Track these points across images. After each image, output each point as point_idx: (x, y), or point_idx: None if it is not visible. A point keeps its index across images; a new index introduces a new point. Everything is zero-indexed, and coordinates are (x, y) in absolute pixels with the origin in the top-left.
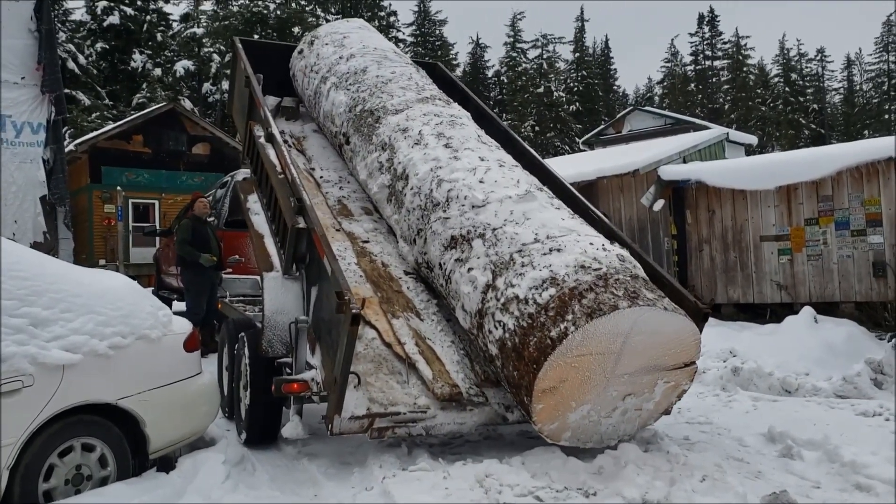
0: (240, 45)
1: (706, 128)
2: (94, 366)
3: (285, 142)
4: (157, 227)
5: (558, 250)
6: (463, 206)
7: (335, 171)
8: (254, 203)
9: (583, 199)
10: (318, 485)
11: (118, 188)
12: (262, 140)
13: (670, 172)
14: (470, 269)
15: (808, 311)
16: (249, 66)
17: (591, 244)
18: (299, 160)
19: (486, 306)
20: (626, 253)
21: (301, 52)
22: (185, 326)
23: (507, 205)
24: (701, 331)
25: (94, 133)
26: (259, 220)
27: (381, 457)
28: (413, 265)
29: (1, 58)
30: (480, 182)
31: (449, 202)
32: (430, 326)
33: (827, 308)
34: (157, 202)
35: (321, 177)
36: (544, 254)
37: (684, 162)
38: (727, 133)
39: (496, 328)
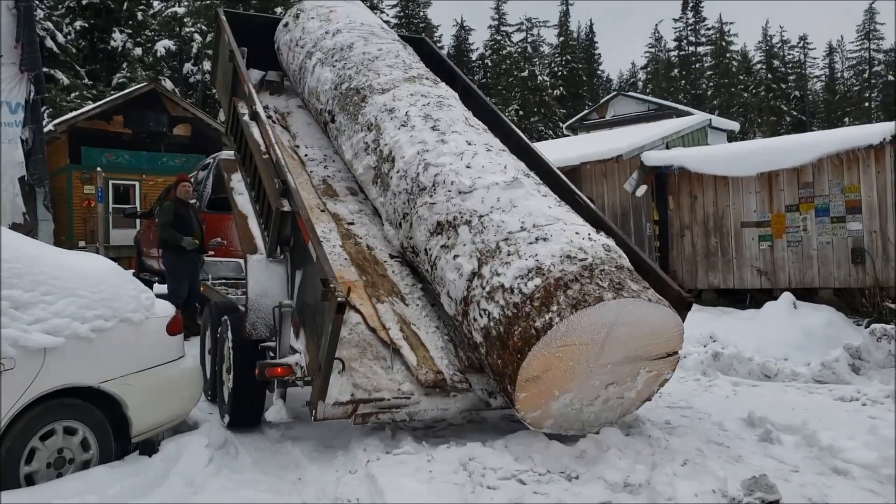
0: (224, 18)
1: (689, 114)
2: (76, 349)
3: (269, 117)
4: (138, 209)
5: (544, 239)
6: (450, 191)
7: (320, 150)
8: (238, 182)
9: (570, 184)
10: (301, 468)
11: (98, 169)
12: (245, 118)
13: (653, 158)
14: (456, 256)
15: (787, 296)
16: (234, 39)
17: (577, 234)
18: (284, 137)
19: (472, 294)
20: (611, 242)
21: (286, 25)
22: (167, 310)
23: (494, 191)
24: (684, 319)
25: (74, 113)
26: (243, 200)
27: (365, 440)
28: (398, 249)
29: None
30: (468, 167)
31: (436, 187)
32: (415, 311)
33: (806, 294)
34: (137, 183)
35: (305, 155)
36: (530, 243)
37: (667, 148)
38: (710, 119)
39: (481, 316)
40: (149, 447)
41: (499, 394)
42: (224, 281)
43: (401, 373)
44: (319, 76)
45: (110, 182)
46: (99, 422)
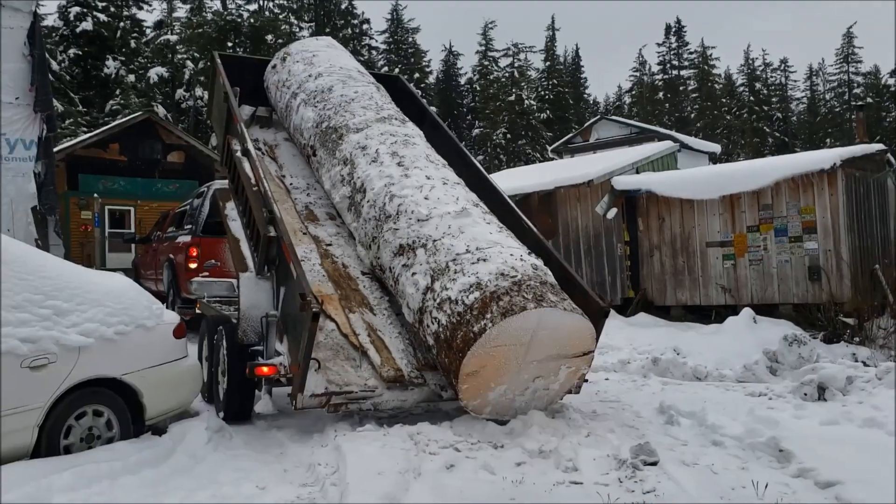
0: (219, 61)
1: (670, 137)
2: (103, 348)
3: (259, 149)
4: (136, 235)
5: (484, 260)
6: (410, 219)
7: (304, 179)
8: (231, 210)
9: (517, 212)
10: (283, 446)
11: (95, 195)
12: (238, 154)
13: (623, 183)
14: (414, 274)
15: (746, 312)
16: (228, 82)
17: (512, 255)
18: (272, 167)
19: (426, 305)
20: (539, 262)
21: (274, 66)
22: (174, 318)
23: (446, 220)
24: (601, 325)
25: (72, 142)
26: (236, 225)
27: (336, 424)
28: (369, 267)
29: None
30: (426, 199)
31: (399, 215)
32: (382, 320)
33: (767, 310)
34: (132, 209)
35: (291, 183)
36: (473, 263)
37: (637, 172)
38: (678, 146)
39: (432, 323)
40: (159, 429)
41: (449, 388)
42: (218, 298)
43: (367, 371)
44: (303, 115)
45: (106, 208)
46: (120, 407)
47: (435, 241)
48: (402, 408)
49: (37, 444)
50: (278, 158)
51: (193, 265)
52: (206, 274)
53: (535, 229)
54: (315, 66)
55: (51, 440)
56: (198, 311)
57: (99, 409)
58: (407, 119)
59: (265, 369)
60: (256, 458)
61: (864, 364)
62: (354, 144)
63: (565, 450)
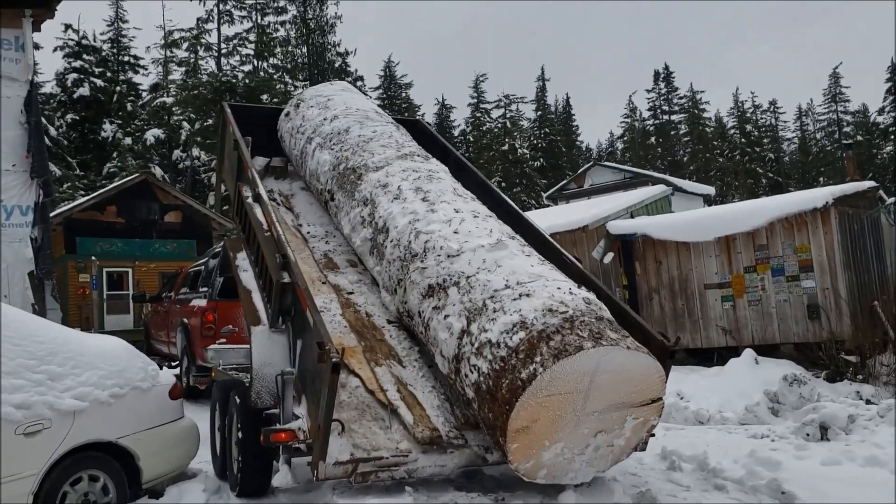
0: (228, 110)
1: (664, 181)
2: (98, 411)
3: (273, 200)
4: (146, 294)
5: (528, 295)
6: (439, 255)
7: (322, 226)
8: (242, 260)
9: (556, 245)
10: None
11: (93, 258)
12: (249, 200)
13: (618, 227)
14: (446, 316)
15: (748, 353)
16: (238, 130)
17: (559, 288)
18: (287, 217)
19: (462, 351)
20: (592, 296)
21: (288, 114)
22: (169, 378)
23: (480, 253)
24: (668, 368)
25: (69, 206)
26: (247, 276)
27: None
28: (395, 314)
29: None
30: (455, 233)
31: (426, 253)
32: (412, 373)
33: (769, 350)
34: (130, 270)
35: (308, 232)
36: (514, 299)
37: (632, 216)
38: (672, 189)
39: (472, 372)
40: (156, 493)
41: (495, 448)
42: (235, 366)
43: (398, 432)
44: (319, 159)
45: (104, 270)
46: (116, 471)
47: (469, 277)
48: (440, 475)
49: None
50: (294, 208)
51: (209, 331)
52: (224, 340)
53: (579, 264)
54: (330, 109)
55: None
56: (213, 378)
57: (95, 474)
58: (431, 156)
59: (282, 435)
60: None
61: (867, 402)
62: (374, 183)
63: (568, 499)
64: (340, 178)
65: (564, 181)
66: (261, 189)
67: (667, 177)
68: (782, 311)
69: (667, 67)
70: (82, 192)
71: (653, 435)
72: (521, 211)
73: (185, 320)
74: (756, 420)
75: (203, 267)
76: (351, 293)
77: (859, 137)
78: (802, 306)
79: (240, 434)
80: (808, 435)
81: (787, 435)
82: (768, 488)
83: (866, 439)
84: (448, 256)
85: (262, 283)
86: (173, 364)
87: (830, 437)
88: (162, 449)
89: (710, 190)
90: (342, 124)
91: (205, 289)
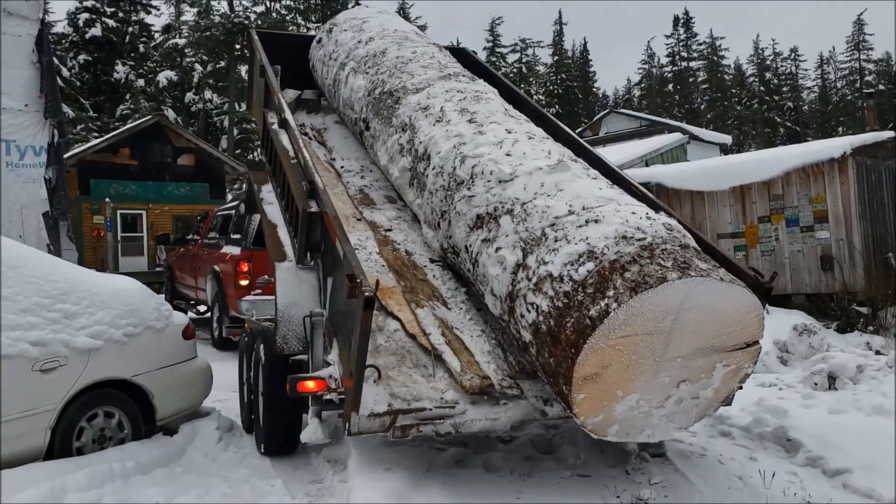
0: (256, 37)
1: (680, 129)
2: (113, 349)
3: (305, 134)
4: (170, 235)
5: (596, 221)
6: (489, 181)
7: (357, 161)
8: (268, 193)
9: (624, 174)
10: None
11: (107, 199)
12: (274, 126)
13: (632, 176)
14: (498, 249)
15: None
16: (265, 55)
17: (634, 213)
18: (320, 152)
19: (517, 288)
20: (674, 222)
21: (320, 41)
22: (183, 319)
23: (537, 177)
24: (764, 307)
25: (82, 147)
26: (273, 209)
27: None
28: (439, 252)
29: (0, 85)
30: (507, 155)
31: (473, 179)
32: (459, 315)
33: (781, 300)
34: (144, 212)
35: (342, 167)
36: (580, 226)
37: (647, 165)
38: (687, 138)
39: (529, 311)
40: (170, 430)
41: (555, 400)
42: (269, 318)
43: (444, 380)
44: (353, 85)
45: (118, 212)
46: (131, 408)
47: (524, 203)
48: (491, 430)
49: (49, 446)
50: (327, 142)
51: (244, 282)
52: (259, 291)
53: (652, 196)
54: (365, 31)
55: (63, 442)
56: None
57: (110, 411)
58: (477, 78)
59: (310, 384)
60: (266, 456)
61: (877, 353)
62: (414, 106)
63: (572, 444)
64: (376, 103)
65: (580, 129)
66: (287, 114)
67: (683, 125)
68: (795, 261)
69: (686, 13)
70: (96, 135)
71: (741, 387)
72: (583, 142)
73: (217, 268)
74: (765, 369)
75: (234, 211)
76: (389, 230)
77: (881, 87)
78: (816, 257)
79: (264, 383)
80: (816, 384)
81: (795, 384)
82: (774, 435)
83: (874, 389)
84: (499, 182)
85: (289, 216)
86: (202, 311)
87: (838, 386)
88: (176, 387)
89: (727, 139)
90: (378, 46)
91: (237, 235)
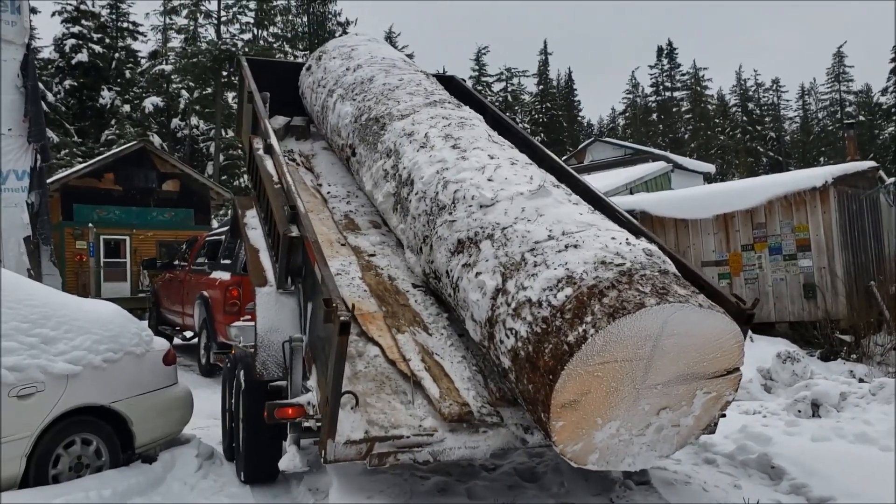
0: (245, 64)
1: (664, 158)
2: (91, 375)
3: (293, 160)
4: (157, 261)
5: (575, 246)
6: (470, 206)
7: (343, 187)
8: (252, 218)
9: (611, 202)
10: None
11: (90, 225)
12: (260, 152)
13: (617, 203)
14: (478, 274)
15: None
16: (254, 82)
17: (614, 238)
18: (307, 178)
19: (497, 313)
20: (654, 248)
21: (309, 68)
22: (163, 344)
23: (518, 202)
24: (745, 335)
25: (66, 172)
26: (255, 234)
27: None
28: (421, 277)
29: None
30: (489, 180)
31: (455, 203)
32: (439, 341)
33: (764, 328)
34: (128, 238)
35: (328, 192)
36: (559, 251)
37: (631, 193)
38: (671, 166)
39: (508, 336)
40: (149, 457)
41: (536, 429)
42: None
43: (422, 407)
44: (340, 111)
45: (101, 237)
46: (109, 435)
47: (504, 228)
48: (470, 458)
49: (25, 474)
50: (315, 168)
51: (233, 308)
52: (248, 318)
53: (635, 222)
54: (354, 59)
55: (39, 470)
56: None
57: (88, 438)
58: (463, 105)
59: (289, 410)
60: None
61: (860, 381)
62: (399, 132)
63: (556, 472)
64: (362, 129)
65: (565, 157)
66: (273, 140)
67: (667, 154)
68: (778, 289)
69: (670, 44)
70: (80, 160)
71: (724, 415)
72: (570, 169)
73: (206, 293)
74: (748, 396)
75: (224, 236)
76: (372, 255)
77: (861, 117)
78: (799, 285)
79: (243, 409)
80: (799, 412)
81: (779, 411)
82: (758, 463)
83: (857, 416)
84: (481, 206)
85: (272, 241)
86: (188, 337)
87: (822, 414)
88: (155, 414)
89: (711, 168)
90: (366, 73)
91: (227, 261)
